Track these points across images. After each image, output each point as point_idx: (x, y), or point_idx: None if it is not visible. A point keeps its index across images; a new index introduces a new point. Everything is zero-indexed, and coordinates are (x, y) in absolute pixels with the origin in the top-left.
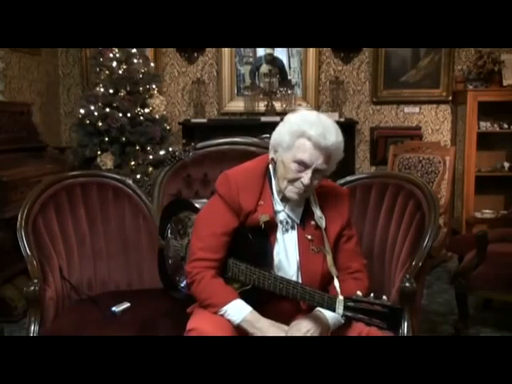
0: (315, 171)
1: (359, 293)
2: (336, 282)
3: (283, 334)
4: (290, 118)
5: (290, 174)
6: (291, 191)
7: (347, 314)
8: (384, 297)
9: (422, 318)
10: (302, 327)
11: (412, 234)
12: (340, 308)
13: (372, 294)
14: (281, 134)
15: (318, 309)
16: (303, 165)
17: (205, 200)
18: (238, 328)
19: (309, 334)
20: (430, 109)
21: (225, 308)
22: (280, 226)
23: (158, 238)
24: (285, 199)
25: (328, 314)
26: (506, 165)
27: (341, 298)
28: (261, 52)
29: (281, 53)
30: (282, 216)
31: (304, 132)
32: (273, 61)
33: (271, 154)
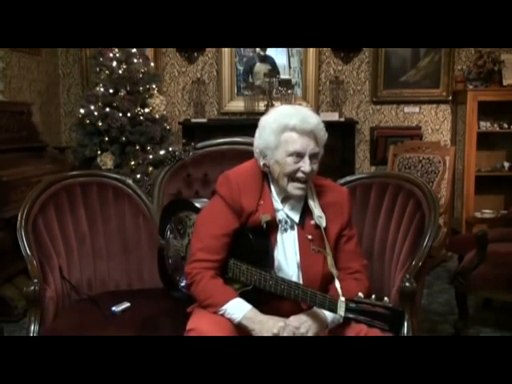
0: (311, 157)
1: (361, 294)
2: (337, 283)
3: (282, 324)
4: (266, 120)
5: (288, 169)
6: (294, 187)
7: (349, 316)
8: (386, 298)
9: (422, 317)
10: (301, 318)
11: (412, 233)
12: (342, 310)
13: (373, 296)
14: (263, 137)
15: None
16: (298, 155)
17: (205, 199)
18: (238, 327)
19: (306, 325)
20: (430, 109)
21: (224, 307)
22: (279, 226)
23: (158, 237)
24: (285, 199)
25: (327, 312)
26: (506, 165)
27: (342, 299)
28: (247, 52)
29: (281, 52)
30: (280, 215)
31: (286, 125)
32: (265, 59)
33: (261, 161)
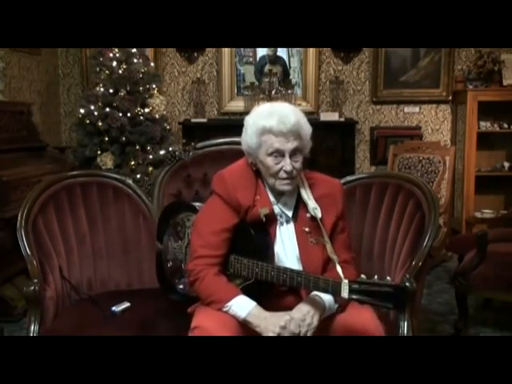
0: (292, 154)
1: (363, 276)
2: (338, 268)
3: (287, 317)
4: (247, 121)
5: (271, 169)
6: (281, 184)
7: (353, 297)
8: (388, 277)
9: (422, 317)
10: (303, 309)
11: (412, 233)
12: (345, 291)
13: (376, 276)
14: (246, 139)
15: (315, 292)
16: (278, 154)
17: (199, 203)
18: (243, 324)
19: (310, 315)
20: (430, 108)
21: (229, 304)
22: (277, 220)
23: (155, 242)
24: (279, 195)
25: (324, 297)
26: (506, 165)
27: (345, 281)
28: (262, 51)
29: (281, 52)
30: (276, 209)
31: (263, 127)
32: (275, 59)
33: (250, 160)
